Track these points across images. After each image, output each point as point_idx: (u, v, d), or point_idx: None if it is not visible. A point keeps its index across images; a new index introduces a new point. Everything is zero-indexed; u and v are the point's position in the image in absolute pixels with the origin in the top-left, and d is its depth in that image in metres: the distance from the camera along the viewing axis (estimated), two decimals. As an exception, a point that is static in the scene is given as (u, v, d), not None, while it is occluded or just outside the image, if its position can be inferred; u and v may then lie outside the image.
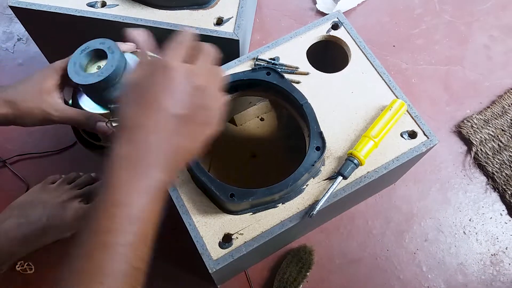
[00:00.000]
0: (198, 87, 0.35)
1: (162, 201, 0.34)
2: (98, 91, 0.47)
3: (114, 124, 0.48)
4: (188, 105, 0.34)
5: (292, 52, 0.61)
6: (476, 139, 0.76)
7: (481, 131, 0.77)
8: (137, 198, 0.32)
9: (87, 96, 0.50)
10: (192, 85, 0.34)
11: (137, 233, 0.32)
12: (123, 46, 0.52)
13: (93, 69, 0.48)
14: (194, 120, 0.35)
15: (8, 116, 0.48)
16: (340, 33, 0.62)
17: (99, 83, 0.45)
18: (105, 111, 0.49)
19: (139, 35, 0.41)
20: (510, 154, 0.75)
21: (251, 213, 0.51)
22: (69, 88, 0.52)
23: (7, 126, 0.50)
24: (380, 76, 0.59)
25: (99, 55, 0.48)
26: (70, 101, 0.52)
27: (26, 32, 0.73)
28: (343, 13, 0.68)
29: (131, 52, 0.52)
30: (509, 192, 0.72)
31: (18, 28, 0.87)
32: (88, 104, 0.50)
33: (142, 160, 0.33)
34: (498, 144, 0.76)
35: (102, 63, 0.48)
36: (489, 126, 0.77)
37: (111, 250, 0.30)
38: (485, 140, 0.76)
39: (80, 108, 0.51)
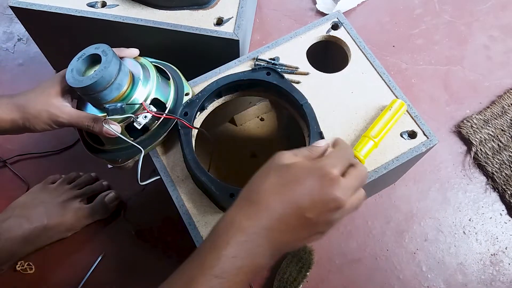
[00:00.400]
0: (339, 204, 0.34)
1: (251, 280, 0.34)
2: (94, 93, 0.47)
3: (113, 127, 0.49)
4: (320, 215, 0.34)
5: (292, 52, 0.61)
6: (476, 139, 0.76)
7: (480, 131, 0.77)
8: (234, 276, 0.32)
9: (86, 100, 0.50)
10: (335, 202, 0.34)
11: None
12: (125, 51, 0.52)
13: (91, 73, 0.49)
14: (314, 228, 0.35)
15: (17, 121, 0.49)
16: (340, 33, 0.62)
17: (93, 84, 0.46)
18: (109, 118, 0.49)
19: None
20: (510, 154, 0.75)
21: (251, 213, 0.51)
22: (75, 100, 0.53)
23: (18, 134, 0.51)
24: (380, 76, 0.59)
25: (96, 60, 0.48)
26: None
27: (27, 32, 0.73)
28: (343, 13, 0.68)
29: (133, 58, 0.53)
30: (509, 192, 0.72)
31: (19, 28, 0.87)
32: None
33: (254, 242, 0.33)
34: (498, 144, 0.76)
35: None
36: (489, 126, 0.77)
37: None
38: (484, 140, 0.76)
39: None
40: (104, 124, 0.48)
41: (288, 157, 0.36)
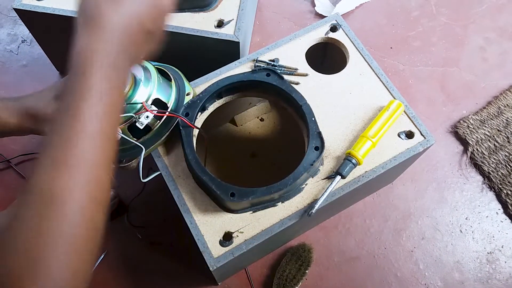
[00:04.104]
0: (168, 8, 0.38)
1: (122, 99, 0.36)
2: None
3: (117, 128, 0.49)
4: (155, 22, 0.37)
5: (291, 54, 0.62)
6: (472, 139, 0.77)
7: (477, 131, 0.78)
8: (109, 95, 0.34)
9: None
10: (165, 6, 0.37)
11: (107, 104, 0.33)
12: None
13: None
14: (152, 37, 0.38)
15: (25, 124, 0.49)
16: (338, 35, 0.63)
17: None
18: None
19: None
20: (506, 154, 0.76)
21: (251, 211, 0.52)
22: None
23: (23, 135, 0.52)
24: (378, 77, 0.60)
25: None
26: None
27: (30, 34, 0.74)
28: (341, 15, 0.69)
29: None
30: (504, 191, 0.73)
31: (22, 30, 0.88)
32: None
33: (112, 59, 0.34)
34: (494, 144, 0.77)
35: None
36: (485, 126, 0.78)
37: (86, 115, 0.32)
38: (481, 140, 0.77)
39: None
40: None
41: None
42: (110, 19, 0.34)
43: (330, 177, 0.53)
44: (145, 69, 0.53)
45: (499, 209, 0.73)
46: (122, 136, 0.50)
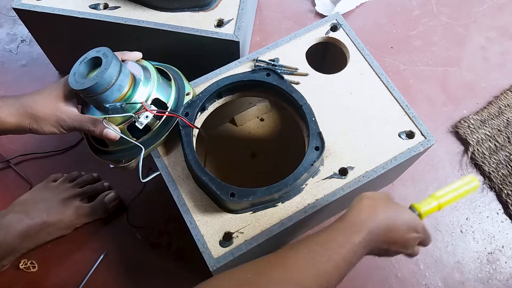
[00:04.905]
0: (416, 227, 0.46)
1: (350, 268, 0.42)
2: (96, 95, 0.48)
3: (112, 126, 0.49)
4: (404, 234, 0.45)
5: (291, 54, 0.61)
6: (473, 139, 0.77)
7: (477, 131, 0.78)
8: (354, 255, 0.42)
9: (89, 102, 0.51)
10: (416, 226, 0.46)
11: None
12: (128, 54, 0.53)
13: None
14: (397, 245, 0.46)
15: (23, 122, 0.50)
16: (339, 35, 0.63)
17: (94, 85, 0.47)
18: (109, 116, 0.50)
19: None
20: (507, 154, 0.76)
21: (251, 212, 0.52)
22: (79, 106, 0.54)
23: (22, 134, 0.52)
24: (379, 77, 0.60)
25: (98, 63, 0.49)
26: None
27: (30, 33, 0.74)
28: (341, 15, 0.69)
29: (135, 61, 0.54)
30: (505, 192, 0.73)
31: (22, 30, 0.88)
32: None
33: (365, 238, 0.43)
34: (495, 144, 0.77)
35: None
36: (486, 126, 0.78)
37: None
38: (481, 140, 0.77)
39: None
40: (105, 125, 0.49)
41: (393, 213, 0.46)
42: (368, 225, 0.43)
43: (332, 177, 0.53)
44: (145, 68, 0.53)
45: (499, 209, 0.73)
46: (121, 136, 0.50)
